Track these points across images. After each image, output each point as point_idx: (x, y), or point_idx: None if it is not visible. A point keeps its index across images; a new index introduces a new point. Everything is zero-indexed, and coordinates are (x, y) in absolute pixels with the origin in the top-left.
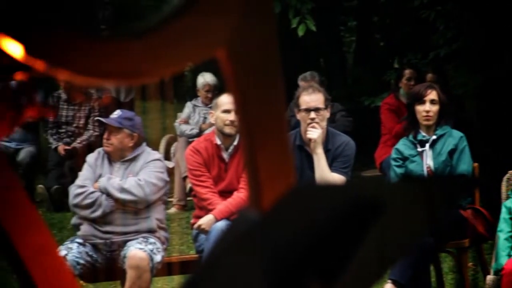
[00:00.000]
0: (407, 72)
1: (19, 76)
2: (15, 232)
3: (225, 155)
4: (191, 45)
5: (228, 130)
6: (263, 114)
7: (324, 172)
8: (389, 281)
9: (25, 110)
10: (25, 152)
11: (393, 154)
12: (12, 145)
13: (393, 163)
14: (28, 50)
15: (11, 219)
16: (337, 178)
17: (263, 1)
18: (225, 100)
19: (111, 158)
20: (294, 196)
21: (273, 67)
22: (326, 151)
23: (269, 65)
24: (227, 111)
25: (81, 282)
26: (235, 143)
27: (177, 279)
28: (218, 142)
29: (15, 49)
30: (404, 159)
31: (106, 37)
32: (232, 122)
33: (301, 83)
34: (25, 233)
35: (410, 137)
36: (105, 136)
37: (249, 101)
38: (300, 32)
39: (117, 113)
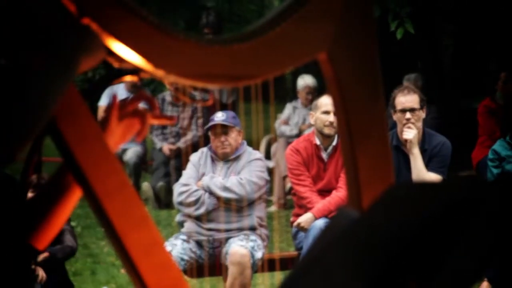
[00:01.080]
0: (503, 75)
1: (128, 79)
2: (125, 229)
3: (324, 155)
4: (294, 49)
5: (327, 131)
6: (362, 115)
7: (420, 172)
8: (486, 279)
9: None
10: (132, 152)
11: (490, 155)
12: None
13: (490, 163)
14: (137, 54)
15: (121, 216)
16: (434, 177)
17: (363, 6)
18: (325, 102)
19: (215, 157)
20: (393, 195)
21: (372, 69)
22: (423, 151)
23: (368, 68)
24: (326, 112)
25: (185, 277)
26: (334, 143)
27: (277, 275)
28: (318, 142)
29: (124, 53)
30: (501, 159)
31: (211, 41)
32: (331, 123)
33: (405, 83)
34: (135, 230)
35: (507, 138)
36: (222, 139)
37: (348, 102)
38: (399, 35)
39: (221, 114)
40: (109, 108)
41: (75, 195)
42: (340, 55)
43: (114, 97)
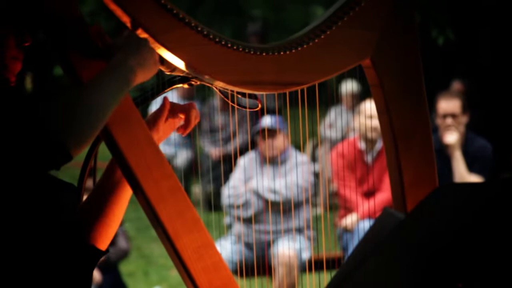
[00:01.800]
0: None
1: (179, 86)
2: (177, 231)
3: (368, 158)
4: (339, 55)
5: (371, 135)
6: (405, 119)
7: (462, 175)
8: None
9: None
10: (182, 157)
11: None
12: (170, 150)
13: None
14: (187, 62)
15: (174, 219)
16: (476, 180)
17: (406, 14)
18: (368, 106)
19: (262, 161)
20: (437, 196)
21: (414, 74)
22: (465, 154)
23: (411, 73)
24: (370, 117)
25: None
26: (378, 147)
27: (324, 275)
28: (362, 146)
29: (175, 61)
30: None
31: (258, 49)
32: (375, 127)
33: (456, 85)
34: (187, 232)
35: None
36: (269, 143)
37: (391, 106)
38: (440, 42)
39: (269, 119)
40: (160, 109)
41: (127, 190)
42: (384, 61)
43: (165, 99)
